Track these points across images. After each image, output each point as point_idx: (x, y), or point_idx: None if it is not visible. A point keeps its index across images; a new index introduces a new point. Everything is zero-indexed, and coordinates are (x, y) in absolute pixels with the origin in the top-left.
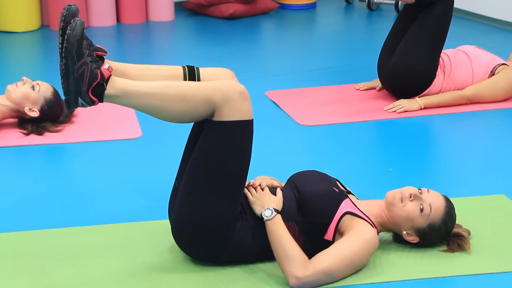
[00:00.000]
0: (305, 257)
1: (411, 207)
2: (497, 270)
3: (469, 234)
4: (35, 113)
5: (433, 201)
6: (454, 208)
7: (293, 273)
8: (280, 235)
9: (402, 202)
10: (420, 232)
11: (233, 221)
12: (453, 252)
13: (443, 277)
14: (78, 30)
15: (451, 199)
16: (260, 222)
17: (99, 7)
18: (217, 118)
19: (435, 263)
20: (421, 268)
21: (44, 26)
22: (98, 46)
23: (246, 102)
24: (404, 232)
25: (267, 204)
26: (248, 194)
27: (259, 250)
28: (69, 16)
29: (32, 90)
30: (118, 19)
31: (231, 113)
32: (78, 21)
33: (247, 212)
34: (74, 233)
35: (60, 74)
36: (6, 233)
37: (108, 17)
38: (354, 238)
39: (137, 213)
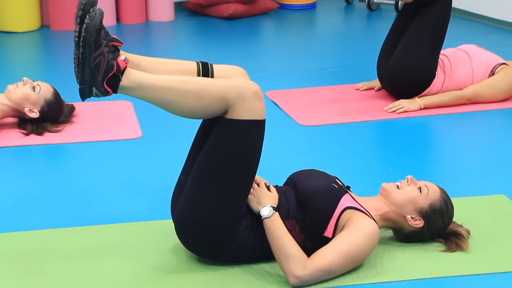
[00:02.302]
0: (304, 255)
1: (410, 189)
2: (497, 270)
3: (469, 234)
4: (35, 114)
5: (427, 183)
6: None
7: (293, 272)
8: (279, 234)
9: (399, 189)
10: (423, 214)
11: (238, 220)
12: (452, 251)
13: (443, 277)
14: (98, 19)
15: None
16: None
17: (99, 7)
18: (230, 116)
19: (435, 263)
20: (421, 268)
21: (44, 26)
22: (114, 36)
23: (260, 102)
24: (409, 217)
25: (263, 201)
26: None
27: (260, 250)
28: (88, 4)
29: (33, 91)
30: (118, 19)
31: (245, 112)
32: (97, 11)
33: (251, 212)
34: (74, 233)
35: (75, 63)
36: (6, 233)
37: (108, 17)
38: (353, 233)
39: (137, 213)
